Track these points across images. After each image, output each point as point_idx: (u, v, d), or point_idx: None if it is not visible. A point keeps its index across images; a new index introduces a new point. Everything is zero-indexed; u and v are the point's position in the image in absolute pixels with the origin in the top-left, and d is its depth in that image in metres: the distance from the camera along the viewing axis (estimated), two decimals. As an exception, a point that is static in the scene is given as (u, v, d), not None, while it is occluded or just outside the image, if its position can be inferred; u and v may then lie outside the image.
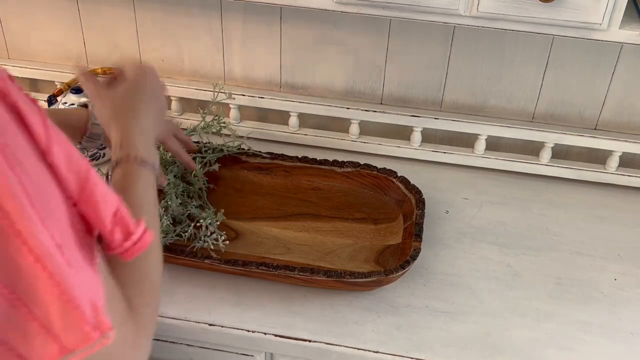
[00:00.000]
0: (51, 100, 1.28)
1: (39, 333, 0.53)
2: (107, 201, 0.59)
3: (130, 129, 0.84)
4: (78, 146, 1.03)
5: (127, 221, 0.62)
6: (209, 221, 1.06)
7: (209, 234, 1.06)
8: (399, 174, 1.20)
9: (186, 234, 1.07)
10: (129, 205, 0.66)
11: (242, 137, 1.23)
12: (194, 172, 1.15)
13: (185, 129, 1.23)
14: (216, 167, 1.20)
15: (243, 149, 1.24)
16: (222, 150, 1.23)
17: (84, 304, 0.54)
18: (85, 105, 1.04)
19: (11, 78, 0.53)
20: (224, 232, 1.07)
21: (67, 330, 0.54)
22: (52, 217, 0.53)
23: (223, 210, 1.11)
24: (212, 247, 1.05)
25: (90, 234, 0.60)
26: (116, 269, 0.66)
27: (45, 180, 0.54)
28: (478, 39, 1.24)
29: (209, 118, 1.25)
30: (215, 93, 1.22)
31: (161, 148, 1.13)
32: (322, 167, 1.22)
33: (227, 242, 1.06)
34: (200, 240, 1.06)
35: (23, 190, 0.50)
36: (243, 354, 1.02)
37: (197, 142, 1.23)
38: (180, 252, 1.03)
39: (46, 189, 0.53)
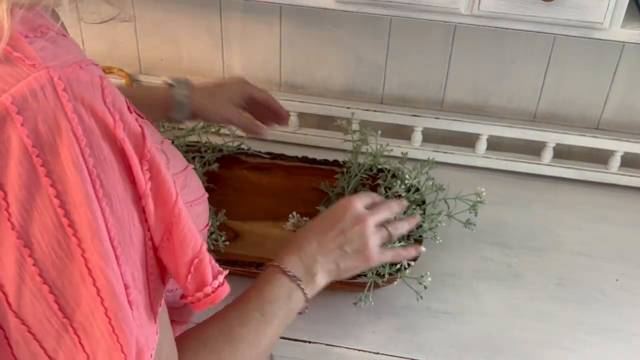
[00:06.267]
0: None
1: None
2: (185, 247, 0.58)
3: (291, 246, 0.85)
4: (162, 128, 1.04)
5: (203, 271, 0.60)
6: (209, 221, 1.06)
7: (208, 234, 1.05)
8: (399, 174, 1.20)
9: None
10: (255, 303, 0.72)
11: (241, 136, 1.22)
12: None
13: (184, 128, 1.23)
14: (215, 167, 1.20)
15: (242, 148, 1.23)
16: (221, 150, 1.22)
17: (131, 350, 0.54)
18: (170, 85, 1.04)
19: (129, 124, 0.53)
20: (224, 232, 1.06)
21: None
22: (127, 256, 0.53)
23: (224, 211, 1.10)
24: (212, 247, 1.04)
25: (163, 281, 0.60)
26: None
27: (131, 220, 0.54)
28: (479, 38, 1.24)
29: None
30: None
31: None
32: (322, 167, 1.22)
33: (227, 242, 1.05)
34: None
35: (104, 223, 0.51)
36: (242, 355, 1.02)
37: (197, 142, 1.23)
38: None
39: (128, 229, 0.54)
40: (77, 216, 0.50)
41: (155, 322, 0.58)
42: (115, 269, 0.52)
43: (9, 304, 0.52)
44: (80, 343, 0.53)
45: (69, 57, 0.51)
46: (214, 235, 1.05)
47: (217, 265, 0.62)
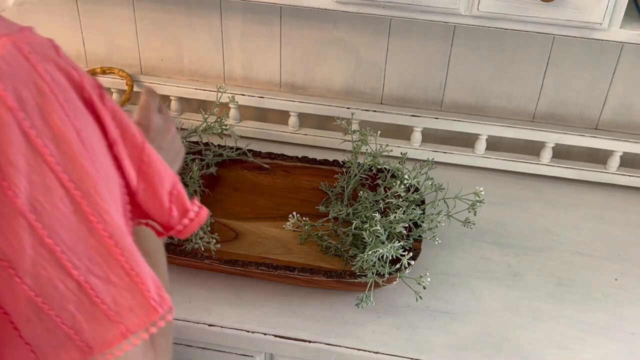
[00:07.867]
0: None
1: (105, 317, 0.55)
2: (163, 180, 0.61)
3: None
4: None
5: (182, 199, 0.63)
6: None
7: (198, 238, 1.04)
8: (399, 174, 1.20)
9: None
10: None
11: (244, 137, 1.22)
12: (189, 174, 1.14)
13: (186, 129, 1.24)
14: (213, 170, 1.19)
15: (245, 155, 1.22)
16: (221, 154, 1.22)
17: (148, 280, 0.57)
18: None
19: (88, 75, 0.55)
20: (217, 234, 1.05)
21: (133, 309, 0.56)
22: (116, 201, 0.56)
23: (211, 214, 1.11)
24: (202, 248, 1.03)
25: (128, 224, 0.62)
26: None
27: (111, 169, 0.56)
28: (478, 38, 1.24)
29: (211, 119, 1.25)
30: (219, 94, 1.22)
31: None
32: (322, 167, 1.22)
33: (219, 245, 1.04)
34: (191, 242, 1.04)
35: (97, 172, 0.53)
36: (243, 355, 1.02)
37: (197, 142, 1.23)
38: (180, 253, 1.02)
39: (112, 177, 0.56)
40: (74, 171, 0.51)
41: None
42: (116, 212, 0.54)
43: (20, 279, 0.52)
44: (97, 297, 0.54)
45: (14, 26, 0.53)
46: (205, 238, 1.03)
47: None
